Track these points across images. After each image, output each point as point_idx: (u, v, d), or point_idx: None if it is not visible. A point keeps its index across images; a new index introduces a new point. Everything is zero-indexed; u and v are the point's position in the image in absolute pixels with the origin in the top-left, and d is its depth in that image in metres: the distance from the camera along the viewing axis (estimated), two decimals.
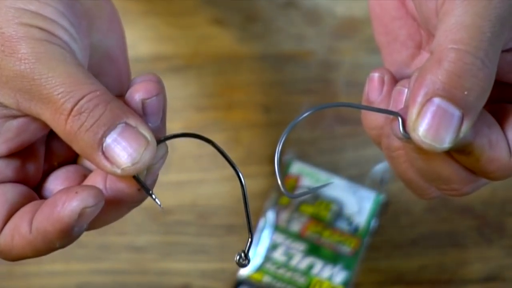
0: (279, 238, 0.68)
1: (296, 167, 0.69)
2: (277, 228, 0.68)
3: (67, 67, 0.39)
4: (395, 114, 0.38)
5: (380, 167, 0.70)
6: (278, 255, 0.67)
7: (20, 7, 0.39)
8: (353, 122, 0.72)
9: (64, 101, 0.38)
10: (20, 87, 0.39)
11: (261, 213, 0.68)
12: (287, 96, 0.72)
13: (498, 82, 0.40)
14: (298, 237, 0.67)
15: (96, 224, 0.42)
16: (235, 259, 0.39)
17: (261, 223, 0.68)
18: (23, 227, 0.39)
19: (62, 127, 0.39)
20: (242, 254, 0.40)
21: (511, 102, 0.41)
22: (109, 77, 0.42)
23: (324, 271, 0.66)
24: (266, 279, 0.66)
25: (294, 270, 0.66)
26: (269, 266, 0.66)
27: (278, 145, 0.40)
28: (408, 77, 0.42)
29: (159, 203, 0.41)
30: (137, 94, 0.41)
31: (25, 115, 0.40)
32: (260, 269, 0.66)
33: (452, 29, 0.37)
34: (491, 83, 0.37)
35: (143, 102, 0.41)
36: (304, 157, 0.70)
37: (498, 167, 0.39)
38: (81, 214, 0.38)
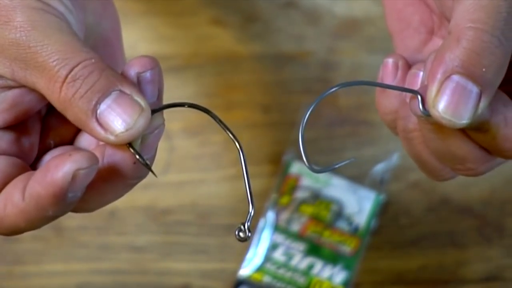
0: (279, 238, 0.68)
1: (296, 167, 0.69)
2: (277, 228, 0.68)
3: (62, 35, 0.39)
4: (415, 92, 0.39)
5: (380, 167, 0.70)
6: (278, 255, 0.67)
7: None
8: (353, 122, 0.72)
9: (59, 68, 0.38)
10: (15, 56, 0.39)
11: (261, 213, 0.68)
12: (287, 96, 0.72)
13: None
14: (298, 237, 0.67)
15: (93, 204, 0.42)
16: (235, 233, 0.38)
17: (261, 223, 0.68)
18: (16, 196, 0.39)
19: (57, 94, 0.39)
20: (242, 227, 0.39)
21: None
22: (104, 60, 0.42)
23: (324, 271, 0.66)
24: (266, 279, 0.66)
25: (294, 270, 0.66)
26: (269, 266, 0.66)
27: (303, 119, 0.40)
28: (421, 62, 0.43)
29: (153, 173, 0.40)
30: (132, 68, 0.40)
31: (21, 86, 0.40)
32: (260, 269, 0.66)
33: (470, 9, 0.37)
34: (507, 61, 0.38)
35: (138, 76, 0.40)
36: None
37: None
38: (74, 177, 0.37)
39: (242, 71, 0.75)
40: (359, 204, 0.69)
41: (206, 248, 0.68)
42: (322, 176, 0.70)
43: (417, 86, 0.41)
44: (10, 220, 0.39)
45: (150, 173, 0.42)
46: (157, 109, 0.40)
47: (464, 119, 0.37)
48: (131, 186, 0.42)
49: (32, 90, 0.40)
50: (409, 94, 0.39)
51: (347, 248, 0.67)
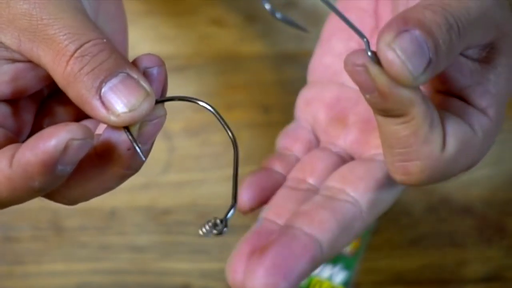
0: None
1: None
2: None
3: (77, 13, 0.39)
4: (363, 36, 0.37)
5: None
6: None
7: None
8: None
9: (69, 42, 0.38)
10: (26, 27, 0.38)
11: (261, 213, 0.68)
12: (287, 96, 0.72)
13: (447, 76, 0.40)
14: None
15: (76, 191, 0.40)
16: (204, 227, 0.37)
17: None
18: (3, 162, 0.37)
19: (62, 68, 0.38)
20: (218, 221, 0.38)
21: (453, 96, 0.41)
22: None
23: (324, 271, 0.66)
24: None
25: None
26: None
27: None
28: None
29: (142, 156, 0.39)
30: (140, 62, 0.40)
31: (25, 60, 0.40)
32: None
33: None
34: (458, 52, 0.38)
35: (145, 71, 0.40)
36: None
37: (429, 154, 0.38)
38: (67, 147, 0.36)
39: (242, 71, 0.75)
40: None
41: (206, 248, 0.68)
42: None
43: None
44: None
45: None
46: (160, 100, 0.40)
47: (415, 72, 0.35)
48: (119, 178, 0.40)
49: (35, 67, 0.40)
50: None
51: (347, 248, 0.67)
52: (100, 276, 0.67)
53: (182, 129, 0.70)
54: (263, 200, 0.45)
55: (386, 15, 0.48)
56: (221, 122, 0.40)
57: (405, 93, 0.36)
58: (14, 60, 0.40)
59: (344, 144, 0.46)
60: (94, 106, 0.38)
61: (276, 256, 0.38)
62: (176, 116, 0.70)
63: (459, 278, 0.67)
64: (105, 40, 0.39)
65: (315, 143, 0.48)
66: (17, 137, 0.41)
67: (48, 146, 0.36)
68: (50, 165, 0.36)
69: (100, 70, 0.38)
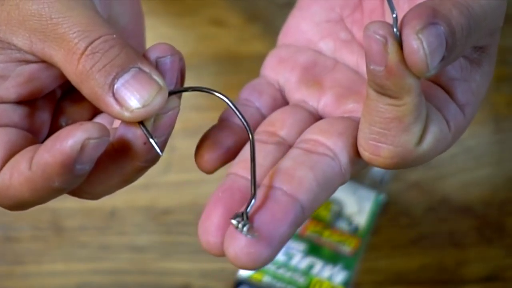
0: None
1: None
2: None
3: (85, 10, 0.39)
4: (393, 10, 0.37)
5: None
6: (278, 255, 0.67)
7: None
8: None
9: (79, 40, 0.38)
10: (36, 27, 0.39)
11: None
12: None
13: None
14: (298, 237, 0.67)
15: (98, 187, 0.41)
16: (233, 223, 0.36)
17: None
18: (23, 164, 0.38)
19: (74, 66, 0.38)
20: (239, 213, 0.37)
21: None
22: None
23: (324, 271, 0.66)
24: (266, 279, 0.66)
25: (294, 270, 0.66)
26: (269, 266, 0.66)
27: None
28: None
29: (159, 151, 0.39)
30: (152, 52, 0.40)
31: (38, 61, 0.40)
32: (260, 269, 0.66)
33: None
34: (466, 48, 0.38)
35: (157, 61, 0.40)
36: None
37: (404, 144, 0.38)
38: (84, 146, 0.36)
39: (242, 71, 0.75)
40: (359, 204, 0.69)
41: None
42: None
43: None
44: (15, 189, 0.38)
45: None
46: (174, 91, 0.39)
47: (431, 66, 0.35)
48: (138, 171, 0.41)
49: (49, 67, 0.40)
50: None
51: (347, 248, 0.67)
52: (100, 276, 0.68)
53: (182, 129, 0.70)
54: (226, 158, 0.43)
55: None
56: (236, 113, 0.40)
57: (409, 80, 0.36)
58: (27, 62, 0.40)
59: (317, 105, 0.45)
60: (108, 103, 0.38)
61: (257, 223, 0.37)
62: None
63: (459, 278, 0.67)
64: (115, 36, 0.38)
65: (282, 102, 0.46)
66: (36, 137, 0.42)
67: (65, 147, 0.36)
68: (68, 165, 0.36)
69: (111, 67, 0.38)
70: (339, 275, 0.66)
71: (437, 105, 0.40)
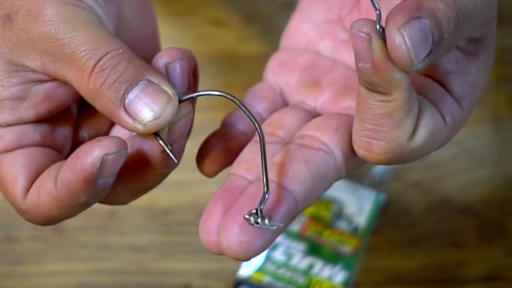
0: (279, 237, 0.67)
1: None
2: None
3: (91, 27, 0.40)
4: (376, 8, 0.37)
5: (380, 167, 0.70)
6: (278, 255, 0.67)
7: None
8: None
9: (87, 58, 0.39)
10: (45, 49, 0.39)
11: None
12: None
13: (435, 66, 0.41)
14: (298, 237, 0.67)
15: (124, 195, 0.42)
16: (248, 219, 0.37)
17: None
18: (49, 184, 0.39)
19: (85, 85, 0.39)
20: (253, 210, 0.37)
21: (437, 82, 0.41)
22: (140, 55, 0.42)
23: (324, 271, 0.66)
24: (266, 279, 0.66)
25: (294, 270, 0.66)
26: (269, 266, 0.66)
27: None
28: None
29: (174, 159, 0.40)
30: (161, 59, 0.41)
31: (52, 80, 0.41)
32: (260, 269, 0.66)
33: None
34: (455, 45, 0.38)
35: (167, 67, 0.41)
36: None
37: (397, 139, 0.38)
38: (103, 162, 0.37)
39: (242, 71, 0.75)
40: (359, 204, 0.69)
41: None
42: None
43: None
44: (44, 208, 0.39)
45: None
46: (184, 98, 0.40)
47: (416, 60, 0.35)
48: (161, 176, 0.42)
49: (64, 83, 0.41)
50: None
51: (347, 248, 0.67)
52: (100, 276, 0.68)
53: None
54: (226, 162, 0.44)
55: None
56: (246, 113, 0.40)
57: (397, 75, 0.36)
58: (42, 81, 0.41)
59: (315, 104, 0.45)
60: (121, 118, 0.39)
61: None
62: None
63: (459, 278, 0.67)
64: (121, 50, 0.39)
65: (282, 106, 0.46)
66: (60, 153, 0.43)
67: (85, 164, 0.37)
68: (91, 181, 0.38)
69: (120, 82, 0.39)
70: (339, 275, 0.66)
71: (432, 99, 0.40)
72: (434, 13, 0.36)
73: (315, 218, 0.68)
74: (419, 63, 0.36)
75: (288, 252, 0.67)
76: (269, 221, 0.37)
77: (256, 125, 0.40)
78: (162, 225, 0.69)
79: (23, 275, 0.67)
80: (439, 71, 0.41)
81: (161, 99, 0.39)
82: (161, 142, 0.40)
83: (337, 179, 0.41)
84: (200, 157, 0.44)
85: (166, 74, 0.41)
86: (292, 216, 0.39)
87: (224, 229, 0.38)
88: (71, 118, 0.44)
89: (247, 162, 0.41)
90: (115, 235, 0.69)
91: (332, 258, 0.67)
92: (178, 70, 0.41)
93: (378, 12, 0.37)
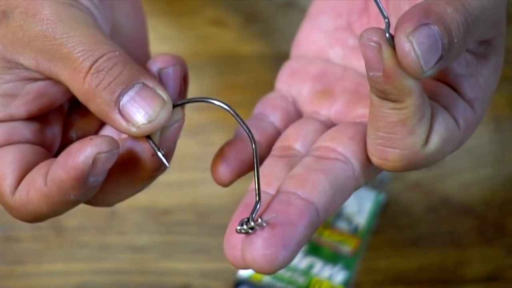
0: None
1: None
2: None
3: (88, 28, 0.40)
4: (385, 16, 0.37)
5: None
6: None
7: None
8: None
9: (83, 59, 0.39)
10: (41, 47, 0.40)
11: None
12: None
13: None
14: None
15: (111, 196, 0.42)
16: (237, 229, 0.37)
17: None
18: (38, 180, 0.39)
19: (80, 85, 0.39)
20: (245, 219, 0.37)
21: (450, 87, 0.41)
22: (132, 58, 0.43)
23: (324, 271, 0.66)
24: (266, 279, 0.66)
25: (294, 270, 0.66)
26: None
27: None
28: None
29: (166, 163, 0.40)
30: (154, 64, 0.41)
31: (45, 78, 0.41)
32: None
33: None
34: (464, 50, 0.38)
35: (159, 72, 0.41)
36: None
37: (411, 146, 0.38)
38: (95, 160, 0.38)
39: (242, 71, 0.75)
40: (359, 204, 0.69)
41: (206, 248, 0.68)
42: None
43: None
44: (34, 204, 0.40)
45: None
46: (177, 104, 0.41)
47: (426, 66, 0.36)
48: (149, 180, 0.42)
49: (57, 83, 0.41)
50: None
51: (347, 248, 0.67)
52: (100, 276, 0.67)
53: (182, 129, 0.70)
54: (241, 171, 0.44)
55: None
56: (238, 121, 0.40)
57: (408, 82, 0.37)
58: (35, 79, 0.41)
59: (329, 113, 0.45)
60: (115, 120, 0.39)
61: (273, 225, 0.38)
62: None
63: (459, 278, 0.67)
64: (117, 53, 0.39)
65: (295, 115, 0.47)
66: (48, 151, 0.43)
67: (78, 162, 0.38)
68: (82, 180, 0.38)
69: (116, 84, 0.39)
70: (339, 275, 0.66)
71: (444, 104, 0.40)
72: (443, 19, 0.36)
73: None
74: (430, 69, 0.36)
75: None
76: (257, 225, 0.37)
77: (250, 135, 0.40)
78: (162, 225, 0.69)
79: (23, 275, 0.67)
80: (450, 75, 0.41)
81: (156, 103, 0.39)
82: (153, 145, 0.40)
83: (356, 187, 0.41)
84: (214, 167, 0.44)
85: (159, 78, 0.41)
86: (314, 227, 0.39)
87: (247, 243, 0.38)
88: (61, 117, 0.44)
89: (266, 176, 0.42)
90: (115, 235, 0.69)
91: (332, 258, 0.67)
92: (171, 75, 0.41)
93: (386, 20, 0.37)
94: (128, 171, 0.41)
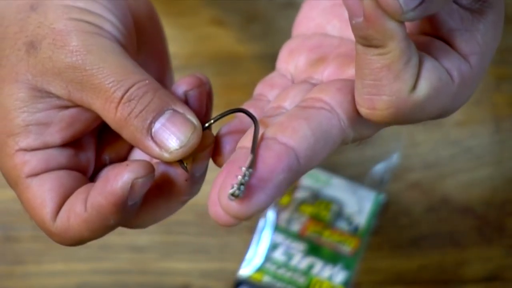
0: (279, 238, 0.68)
1: None
2: (277, 228, 0.68)
3: (117, 58, 0.41)
4: None
5: (380, 167, 0.70)
6: (278, 255, 0.67)
7: (69, 4, 0.41)
8: None
9: (115, 89, 0.40)
10: (72, 78, 0.40)
11: (261, 213, 0.68)
12: None
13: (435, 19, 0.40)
14: (298, 237, 0.67)
15: (146, 219, 0.43)
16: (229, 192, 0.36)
17: (261, 223, 0.68)
18: (78, 206, 0.40)
19: (113, 114, 0.40)
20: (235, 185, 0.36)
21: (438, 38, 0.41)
22: (154, 72, 0.44)
23: (324, 271, 0.66)
24: (266, 279, 0.66)
25: (294, 270, 0.66)
26: (269, 266, 0.66)
27: None
28: None
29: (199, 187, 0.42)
30: (179, 88, 0.42)
31: (77, 105, 0.41)
32: (260, 269, 0.66)
33: None
34: None
35: (186, 94, 0.42)
36: None
37: (398, 92, 0.38)
38: (133, 185, 0.39)
39: (242, 71, 0.75)
40: (359, 204, 0.69)
41: (206, 248, 0.68)
42: (322, 176, 0.70)
43: None
44: (75, 230, 0.41)
45: None
46: (207, 126, 0.42)
47: (405, 7, 0.35)
48: (183, 202, 0.43)
49: (88, 109, 0.42)
50: None
51: (347, 248, 0.67)
52: (100, 276, 0.67)
53: None
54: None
55: None
56: (254, 133, 0.39)
57: (389, 25, 0.36)
58: (67, 107, 0.42)
59: (321, 77, 0.45)
60: (148, 146, 0.40)
61: (251, 171, 0.37)
62: None
63: (459, 278, 0.67)
64: (147, 81, 0.40)
65: None
66: (84, 175, 0.44)
67: (116, 188, 0.39)
68: (121, 205, 0.39)
69: (147, 112, 0.40)
70: (339, 275, 0.66)
71: (435, 55, 0.39)
72: None
73: (315, 218, 0.68)
74: (410, 10, 0.35)
75: (288, 252, 0.67)
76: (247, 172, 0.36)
77: (254, 151, 0.39)
78: (162, 225, 0.69)
79: (23, 275, 0.67)
80: (443, 29, 0.40)
81: (187, 128, 0.40)
82: (186, 171, 0.41)
83: (344, 139, 0.40)
84: (217, 153, 0.44)
85: (186, 101, 0.42)
86: (294, 173, 0.38)
87: (222, 188, 0.37)
88: (93, 141, 0.45)
89: (246, 136, 0.41)
90: (115, 235, 0.69)
91: (332, 258, 0.67)
92: (197, 97, 0.43)
93: None
94: (163, 196, 0.42)
